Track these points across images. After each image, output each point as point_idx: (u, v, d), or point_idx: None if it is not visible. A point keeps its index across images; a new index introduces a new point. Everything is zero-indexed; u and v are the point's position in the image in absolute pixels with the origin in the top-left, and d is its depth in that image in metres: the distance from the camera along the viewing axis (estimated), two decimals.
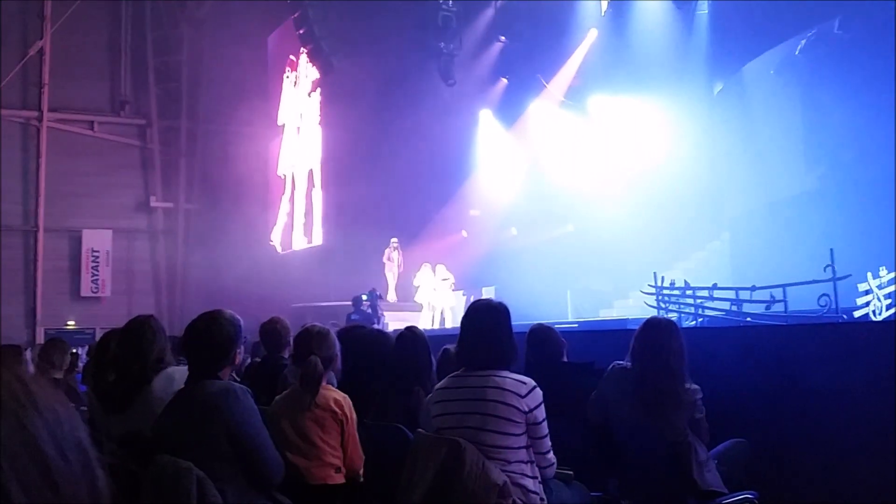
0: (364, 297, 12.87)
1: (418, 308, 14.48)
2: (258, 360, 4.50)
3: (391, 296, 14.99)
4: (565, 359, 4.32)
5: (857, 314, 7.12)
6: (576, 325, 10.51)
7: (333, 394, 3.10)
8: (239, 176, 19.15)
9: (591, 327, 10.29)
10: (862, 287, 7.21)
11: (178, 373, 3.02)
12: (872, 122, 9.50)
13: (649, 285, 9.92)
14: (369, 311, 12.76)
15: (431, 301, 14.44)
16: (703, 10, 12.31)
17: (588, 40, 14.06)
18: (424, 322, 13.33)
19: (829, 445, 4.49)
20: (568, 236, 14.04)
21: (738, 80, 11.98)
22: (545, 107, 14.92)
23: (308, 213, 18.13)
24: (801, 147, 10.85)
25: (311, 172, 18.19)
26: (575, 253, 13.52)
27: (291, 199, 19.03)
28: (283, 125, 19.62)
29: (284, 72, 19.50)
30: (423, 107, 14.88)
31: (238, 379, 3.87)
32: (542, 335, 4.31)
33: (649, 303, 9.88)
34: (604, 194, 13.51)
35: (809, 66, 10.68)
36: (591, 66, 14.09)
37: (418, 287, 14.66)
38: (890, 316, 6.91)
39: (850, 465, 4.39)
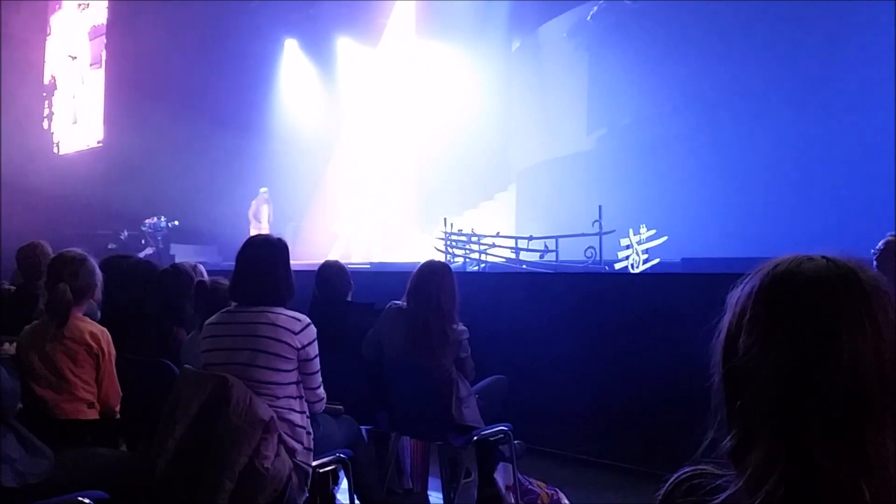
0: (143, 227, 12.10)
1: None
2: (12, 287, 4.12)
3: None
4: (350, 298, 4.39)
5: (617, 266, 7.77)
6: (368, 266, 10.63)
7: (90, 326, 2.92)
8: (8, 71, 17.02)
9: (384, 269, 10.46)
10: (624, 242, 7.87)
11: None
12: (650, 90, 10.31)
13: (441, 230, 10.22)
14: (143, 241, 12.02)
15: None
16: None
17: None
18: None
19: (576, 382, 4.99)
20: (366, 177, 14.05)
21: (535, 39, 12.46)
22: (350, 44, 14.65)
23: (84, 111, 16.75)
24: (585, 109, 11.56)
25: (85, 73, 16.72)
26: (372, 194, 13.59)
27: (67, 95, 17.50)
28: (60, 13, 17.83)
29: None
30: (222, 24, 13.97)
31: None
32: (328, 273, 4.34)
33: (438, 247, 10.19)
34: (404, 138, 13.65)
35: (599, 32, 11.27)
36: (401, 6, 14.03)
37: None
38: (646, 269, 7.62)
39: (590, 399, 4.91)
